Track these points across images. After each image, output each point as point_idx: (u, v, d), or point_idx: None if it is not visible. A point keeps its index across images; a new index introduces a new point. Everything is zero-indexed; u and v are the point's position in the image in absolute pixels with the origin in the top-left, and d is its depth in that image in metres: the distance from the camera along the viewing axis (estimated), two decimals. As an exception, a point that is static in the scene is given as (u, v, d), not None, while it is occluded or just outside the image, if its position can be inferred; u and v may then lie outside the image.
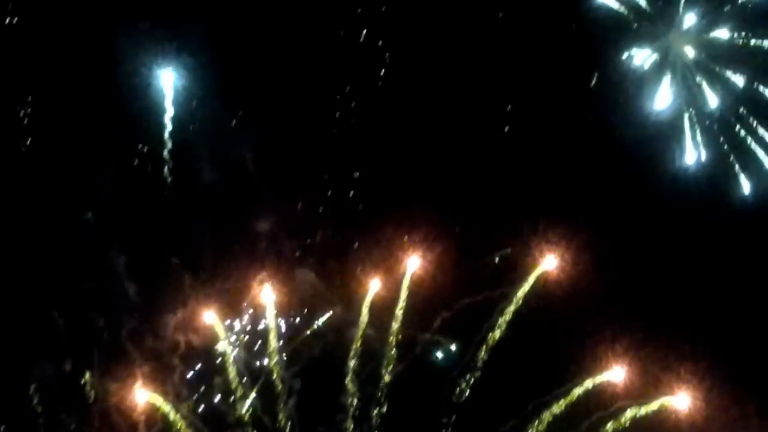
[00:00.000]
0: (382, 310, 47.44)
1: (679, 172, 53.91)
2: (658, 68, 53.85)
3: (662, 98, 53.96)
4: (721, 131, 54.12)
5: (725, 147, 54.23)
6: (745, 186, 54.26)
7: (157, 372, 46.78)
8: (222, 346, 47.03)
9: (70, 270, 46.91)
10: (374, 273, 47.64)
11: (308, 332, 48.29)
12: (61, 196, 47.07)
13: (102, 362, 46.52)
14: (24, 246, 46.72)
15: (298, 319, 48.45)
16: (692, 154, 54.09)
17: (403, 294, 47.25)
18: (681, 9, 53.44)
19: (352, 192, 50.36)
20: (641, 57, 53.81)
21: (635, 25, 53.70)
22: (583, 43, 52.74)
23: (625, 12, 53.56)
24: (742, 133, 54.09)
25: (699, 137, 53.97)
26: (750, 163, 54.10)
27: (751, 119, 53.96)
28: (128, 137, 47.79)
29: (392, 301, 47.35)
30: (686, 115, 54.17)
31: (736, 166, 54.18)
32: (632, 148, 53.21)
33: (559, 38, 52.27)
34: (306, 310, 48.63)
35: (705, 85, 53.90)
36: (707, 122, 54.04)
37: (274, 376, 47.02)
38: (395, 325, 47.38)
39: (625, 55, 53.70)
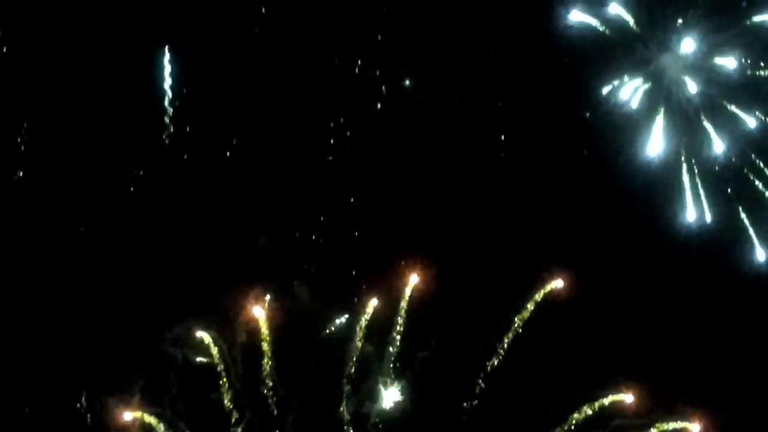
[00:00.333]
0: (381, 328, 49.36)
1: (677, 234, 51.25)
2: (650, 103, 51.44)
3: (655, 141, 51.26)
4: (729, 183, 51.93)
5: (734, 202, 51.90)
6: (759, 252, 51.49)
7: (152, 390, 48.91)
8: (218, 363, 49.01)
9: (66, 284, 49.64)
10: (372, 293, 49.37)
11: (306, 350, 50.02)
12: (57, 208, 50.05)
13: (97, 381, 48.96)
14: (20, 260, 49.42)
15: (295, 337, 49.96)
16: (693, 211, 51.40)
17: (402, 311, 48.82)
18: (677, 31, 50.96)
19: (348, 218, 52.41)
20: (629, 90, 51.28)
21: (621, 49, 51.26)
22: (555, 72, 51.32)
23: (607, 32, 51.02)
24: (755, 184, 51.69)
25: (701, 191, 51.67)
26: (764, 223, 51.75)
27: (764, 167, 51.54)
28: (125, 153, 50.84)
29: (391, 320, 49.21)
30: (685, 163, 51.62)
31: (748, 226, 51.70)
32: (617, 205, 51.15)
33: (530, 67, 51.45)
34: (303, 327, 50.30)
35: (708, 126, 51.52)
36: (711, 172, 51.78)
37: (271, 394, 48.95)
38: (394, 344, 49.09)
39: (608, 88, 51.12)
